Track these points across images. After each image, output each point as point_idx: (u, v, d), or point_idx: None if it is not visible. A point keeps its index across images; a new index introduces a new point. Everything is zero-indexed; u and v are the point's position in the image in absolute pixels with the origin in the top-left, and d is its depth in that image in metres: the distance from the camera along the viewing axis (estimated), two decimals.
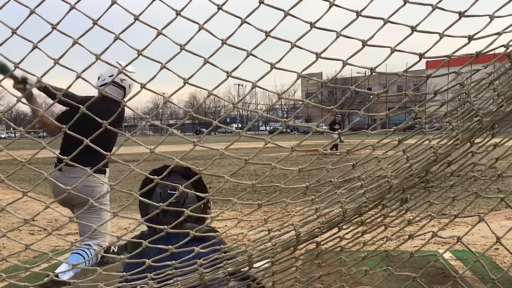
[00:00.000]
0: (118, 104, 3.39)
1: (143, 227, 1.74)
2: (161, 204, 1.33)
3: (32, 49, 1.20)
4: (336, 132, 1.46)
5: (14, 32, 1.19)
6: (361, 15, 1.21)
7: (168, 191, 1.69)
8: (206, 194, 1.44)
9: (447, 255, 3.57)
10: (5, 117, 1.29)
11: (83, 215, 3.12)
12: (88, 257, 3.12)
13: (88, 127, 1.29)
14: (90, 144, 1.26)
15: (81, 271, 3.35)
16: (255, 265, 1.43)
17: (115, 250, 3.52)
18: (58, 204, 3.20)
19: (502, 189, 6.34)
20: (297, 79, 1.33)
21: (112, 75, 3.06)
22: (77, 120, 1.28)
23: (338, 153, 1.35)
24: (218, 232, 1.53)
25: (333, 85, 1.72)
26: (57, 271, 3.02)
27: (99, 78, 3.16)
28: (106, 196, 3.23)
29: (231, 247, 1.42)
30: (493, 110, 1.32)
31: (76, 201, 3.16)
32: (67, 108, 3.03)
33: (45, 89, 2.41)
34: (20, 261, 3.34)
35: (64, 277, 2.91)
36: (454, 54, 1.26)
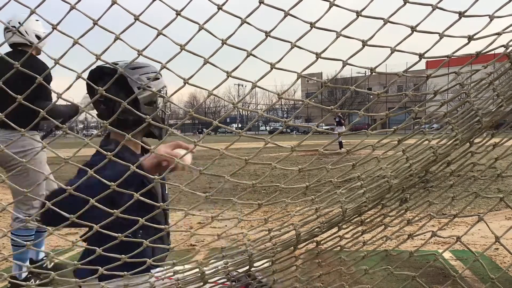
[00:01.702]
0: (34, 58, 3.28)
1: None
2: (162, 204, 1.32)
3: (33, 49, 1.20)
4: (337, 131, 1.46)
5: (14, 32, 1.19)
6: (361, 15, 1.21)
7: None
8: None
9: (446, 255, 3.57)
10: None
11: (13, 179, 2.97)
12: (21, 236, 3.00)
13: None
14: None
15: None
16: (255, 264, 1.44)
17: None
18: None
19: (502, 189, 6.35)
20: (297, 79, 1.33)
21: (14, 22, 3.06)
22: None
23: (341, 152, 1.35)
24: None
25: (333, 85, 1.72)
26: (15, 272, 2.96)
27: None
28: (34, 155, 3.06)
29: (230, 247, 1.42)
30: (493, 110, 1.33)
31: (5, 164, 3.10)
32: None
33: None
34: None
35: (23, 274, 2.86)
36: (454, 54, 1.26)
